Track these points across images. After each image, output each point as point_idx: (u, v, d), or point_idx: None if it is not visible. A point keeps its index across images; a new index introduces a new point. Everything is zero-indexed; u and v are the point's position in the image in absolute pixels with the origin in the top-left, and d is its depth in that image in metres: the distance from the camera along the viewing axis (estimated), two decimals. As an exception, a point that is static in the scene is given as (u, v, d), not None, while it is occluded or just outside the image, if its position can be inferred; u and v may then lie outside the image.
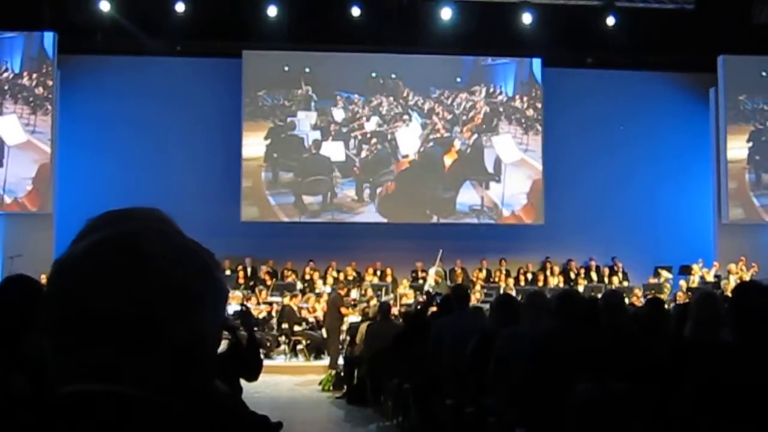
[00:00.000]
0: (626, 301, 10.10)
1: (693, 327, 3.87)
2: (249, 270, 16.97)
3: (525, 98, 18.11)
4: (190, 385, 0.91)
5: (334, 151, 17.65)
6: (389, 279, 16.67)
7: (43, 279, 4.80)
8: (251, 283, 16.34)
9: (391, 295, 15.41)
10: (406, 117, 17.92)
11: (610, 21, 17.35)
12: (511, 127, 18.05)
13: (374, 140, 17.79)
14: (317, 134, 17.71)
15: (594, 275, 17.44)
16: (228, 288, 1.04)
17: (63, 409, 0.86)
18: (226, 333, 5.05)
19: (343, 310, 13.59)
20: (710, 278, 16.18)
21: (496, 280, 16.98)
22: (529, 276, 17.39)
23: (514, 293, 13.35)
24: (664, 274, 16.40)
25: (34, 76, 16.74)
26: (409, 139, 17.86)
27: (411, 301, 15.03)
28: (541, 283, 16.87)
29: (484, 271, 17.29)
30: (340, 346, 12.81)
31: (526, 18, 17.17)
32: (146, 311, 0.88)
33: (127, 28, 16.42)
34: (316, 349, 13.92)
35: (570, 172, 17.80)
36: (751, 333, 3.04)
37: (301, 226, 17.45)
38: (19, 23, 16.48)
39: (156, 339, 0.88)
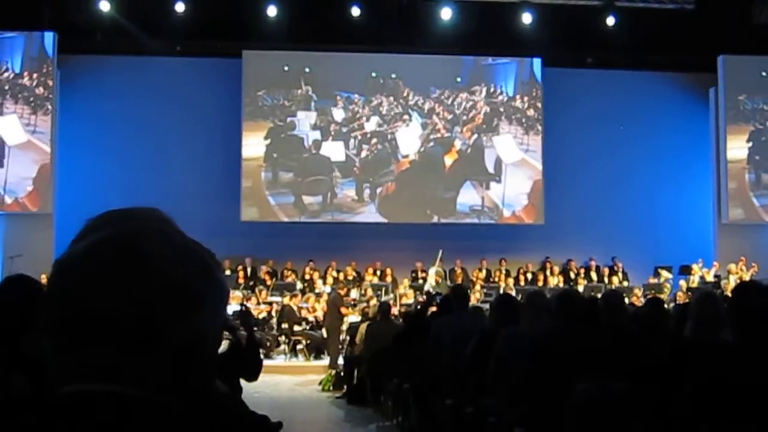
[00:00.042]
0: (626, 301, 10.10)
1: (693, 327, 3.87)
2: (249, 270, 16.97)
3: (526, 98, 18.10)
4: (190, 385, 0.91)
5: (334, 151, 17.64)
6: (389, 279, 16.67)
7: (43, 279, 4.80)
8: (251, 283, 16.34)
9: (391, 295, 15.41)
10: (406, 117, 17.91)
11: (610, 21, 17.35)
12: (512, 127, 18.04)
13: (374, 140, 17.78)
14: (317, 134, 17.70)
15: (594, 275, 17.44)
16: (228, 288, 1.04)
17: (63, 409, 0.86)
18: (227, 333, 5.05)
19: (343, 309, 13.59)
20: (710, 278, 16.18)
21: (496, 280, 16.98)
22: (529, 276, 17.39)
23: (513, 293, 13.34)
24: (664, 274, 16.40)
25: (35, 76, 16.74)
26: (409, 139, 17.85)
27: (411, 301, 15.03)
28: (540, 283, 16.87)
29: (484, 271, 17.29)
30: (340, 346, 12.81)
31: (526, 18, 17.17)
32: (146, 311, 0.88)
33: (127, 28, 16.42)
34: (316, 349, 13.92)
35: (570, 172, 17.80)
36: (751, 333, 3.04)
37: (301, 226, 17.45)
38: (19, 23, 16.48)
39: (156, 339, 0.88)
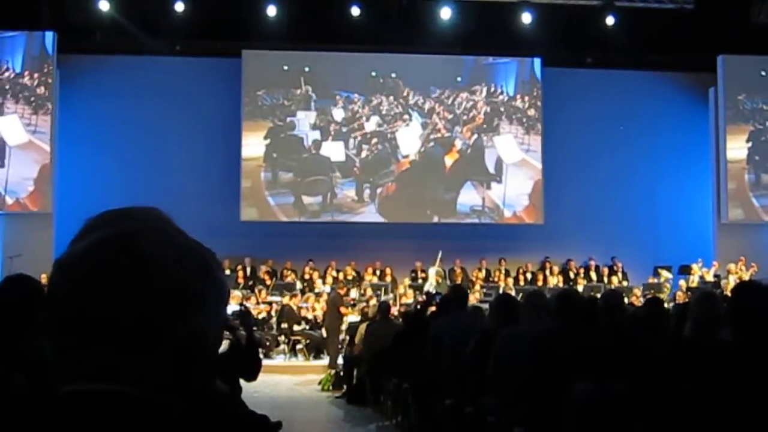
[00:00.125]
0: (626, 300, 10.10)
1: (693, 327, 3.87)
2: (248, 270, 16.97)
3: (526, 98, 18.09)
4: (190, 385, 0.91)
5: (334, 151, 17.63)
6: (389, 279, 16.67)
7: (43, 279, 4.80)
8: (251, 283, 16.34)
9: (391, 295, 15.42)
10: (406, 117, 17.90)
11: (610, 21, 17.36)
12: (512, 127, 18.03)
13: (374, 140, 17.77)
14: (317, 134, 17.69)
15: (593, 275, 17.44)
16: (229, 288, 1.04)
17: (63, 409, 0.86)
18: (227, 333, 5.05)
19: (343, 309, 13.59)
20: (710, 278, 16.19)
21: (496, 279, 16.98)
22: (529, 276, 17.39)
23: (513, 293, 13.33)
24: (664, 273, 16.41)
25: (36, 75, 16.74)
26: (409, 139, 17.84)
27: (410, 300, 15.03)
28: (540, 283, 16.87)
29: (484, 271, 17.29)
30: (340, 346, 12.82)
31: (526, 18, 17.18)
32: (146, 311, 0.88)
33: (126, 27, 16.43)
34: (315, 349, 13.92)
35: (569, 171, 17.79)
36: (751, 333, 3.04)
37: (300, 225, 17.44)
38: (18, 23, 16.48)
39: (156, 339, 0.88)
